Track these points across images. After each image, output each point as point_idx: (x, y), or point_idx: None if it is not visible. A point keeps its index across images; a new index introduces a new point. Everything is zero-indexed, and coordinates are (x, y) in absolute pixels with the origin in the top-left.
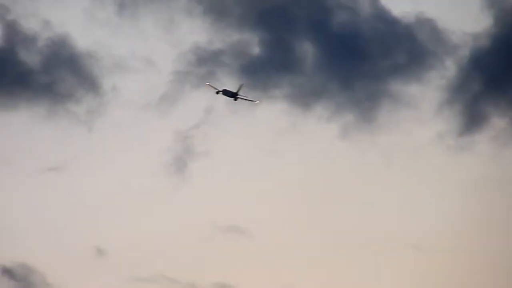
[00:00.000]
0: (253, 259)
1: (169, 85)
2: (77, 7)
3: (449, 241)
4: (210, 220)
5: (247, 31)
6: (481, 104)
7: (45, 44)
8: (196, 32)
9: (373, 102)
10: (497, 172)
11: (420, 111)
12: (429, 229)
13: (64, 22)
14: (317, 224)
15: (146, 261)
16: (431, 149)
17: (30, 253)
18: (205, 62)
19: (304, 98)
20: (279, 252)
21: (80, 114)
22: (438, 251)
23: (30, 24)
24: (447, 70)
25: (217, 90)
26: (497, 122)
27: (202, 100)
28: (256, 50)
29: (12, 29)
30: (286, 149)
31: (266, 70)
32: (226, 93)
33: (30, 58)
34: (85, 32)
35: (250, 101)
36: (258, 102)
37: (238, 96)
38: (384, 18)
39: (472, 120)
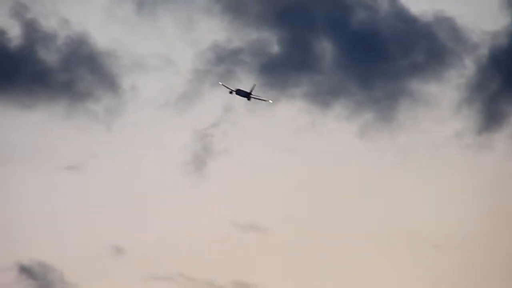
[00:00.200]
0: (271, 257)
1: (188, 84)
2: (96, 6)
3: (468, 239)
4: (228, 218)
5: (266, 29)
6: (500, 103)
7: (64, 42)
8: (215, 31)
9: (392, 100)
10: None
11: (439, 110)
12: (448, 228)
13: (83, 20)
14: (335, 222)
15: (164, 259)
16: (450, 148)
17: (48, 251)
18: (223, 60)
19: (323, 96)
20: (297, 250)
21: (99, 113)
22: (457, 249)
23: (49, 23)
24: (466, 68)
25: (230, 90)
26: None
27: (220, 99)
28: (275, 48)
29: (32, 27)
30: (304, 148)
31: (285, 68)
32: (239, 93)
33: (49, 56)
34: (104, 30)
35: (263, 101)
36: (271, 101)
37: (251, 96)
38: (403, 17)
39: (491, 118)
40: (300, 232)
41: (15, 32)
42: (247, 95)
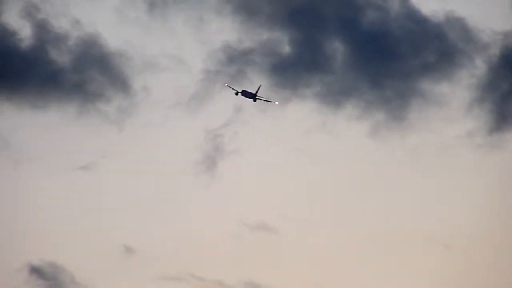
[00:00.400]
0: (281, 257)
1: (199, 84)
2: (107, 7)
3: (478, 239)
4: (238, 218)
5: (277, 30)
6: (511, 103)
7: (75, 43)
8: (226, 31)
9: (403, 100)
10: None
11: (450, 110)
12: (458, 228)
13: (95, 21)
14: (346, 222)
15: (175, 259)
16: (460, 147)
17: (59, 252)
18: (235, 61)
19: (334, 96)
20: (307, 250)
21: (111, 113)
22: (468, 249)
23: (60, 23)
24: (477, 68)
25: (236, 91)
26: None
27: (231, 99)
28: (286, 49)
29: (43, 28)
30: (315, 148)
31: (296, 69)
32: (245, 94)
33: (60, 57)
34: (115, 31)
35: (269, 102)
36: (277, 103)
37: (256, 97)
38: (414, 17)
39: (502, 118)
40: (310, 232)
41: (26, 33)
42: (252, 96)
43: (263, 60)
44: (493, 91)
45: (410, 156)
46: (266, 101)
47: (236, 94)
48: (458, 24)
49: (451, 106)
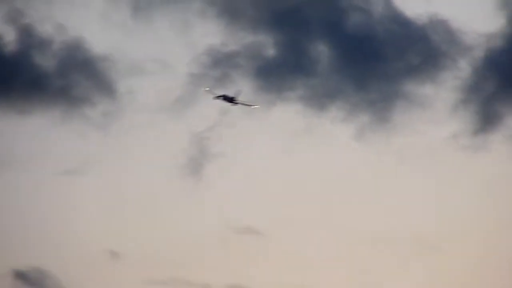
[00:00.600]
0: (268, 261)
1: (184, 88)
2: (92, 11)
3: (466, 241)
4: (225, 222)
5: (261, 33)
6: (495, 104)
7: (60, 47)
8: (211, 34)
9: (388, 103)
10: None
11: (435, 112)
12: (445, 230)
13: (79, 25)
14: (332, 225)
15: (161, 263)
16: (446, 149)
17: (44, 257)
18: (219, 64)
19: (319, 99)
20: (294, 253)
21: (96, 118)
22: (455, 251)
23: (44, 28)
24: (461, 70)
25: (215, 96)
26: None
27: (217, 102)
28: (270, 51)
29: (27, 33)
30: (301, 151)
31: (281, 71)
32: (225, 98)
33: (45, 61)
34: (100, 35)
35: (249, 106)
36: (257, 106)
37: (236, 101)
38: (398, 20)
39: (487, 119)
40: (297, 235)
41: (10, 37)
42: (231, 100)
43: (247, 63)
44: (478, 93)
45: (395, 158)
46: (246, 105)
47: (216, 98)
48: (442, 26)
49: (435, 108)
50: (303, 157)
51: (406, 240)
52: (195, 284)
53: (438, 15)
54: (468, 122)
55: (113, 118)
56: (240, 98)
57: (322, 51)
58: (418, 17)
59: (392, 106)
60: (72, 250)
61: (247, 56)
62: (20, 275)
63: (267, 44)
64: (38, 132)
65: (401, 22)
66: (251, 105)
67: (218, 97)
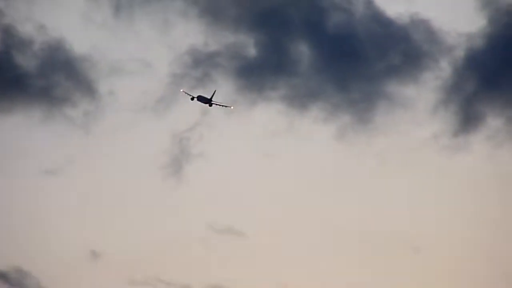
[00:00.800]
0: (248, 260)
1: (165, 88)
2: (72, 11)
3: (446, 241)
4: (205, 222)
5: (242, 33)
6: (477, 104)
7: (40, 48)
8: (192, 34)
9: (369, 103)
10: (493, 171)
11: (416, 112)
12: (426, 229)
13: (60, 26)
14: (313, 225)
15: (141, 263)
16: (427, 150)
17: (25, 257)
18: (201, 64)
19: (300, 99)
20: (274, 253)
21: (77, 118)
22: (435, 251)
23: (25, 28)
24: (442, 70)
25: (192, 96)
26: (492, 121)
27: (198, 102)
28: (251, 51)
29: (8, 33)
30: (282, 150)
31: (262, 71)
32: (201, 99)
33: (26, 62)
34: (80, 35)
35: (224, 107)
36: (232, 107)
37: (212, 102)
38: (379, 20)
39: (468, 120)
40: (277, 235)
41: None
42: (208, 101)
43: (229, 63)
44: (458, 93)
45: (377, 158)
46: (222, 106)
47: (192, 99)
48: (423, 26)
49: (416, 109)
50: (284, 157)
51: (387, 239)
52: (176, 284)
53: (419, 15)
54: (449, 123)
55: (94, 118)
56: (216, 99)
57: (303, 51)
58: (399, 17)
59: (374, 106)
60: (52, 250)
61: (228, 56)
62: (1, 275)
63: (248, 44)
64: (18, 131)
65: (382, 22)
66: (227, 106)
67: (194, 98)
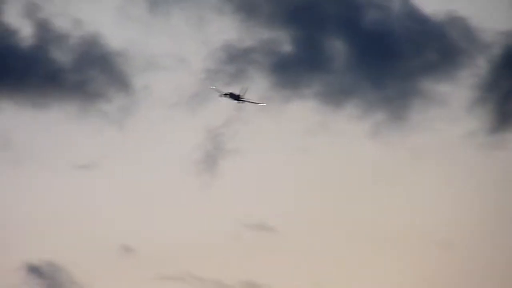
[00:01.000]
0: (280, 257)
1: (200, 83)
2: (108, 6)
3: (480, 240)
4: (238, 218)
5: (277, 29)
6: None
7: (76, 42)
8: (227, 30)
9: (404, 100)
10: None
11: (451, 110)
12: (460, 228)
13: (96, 20)
14: (346, 222)
15: (174, 259)
16: (462, 147)
17: (58, 251)
18: (235, 60)
19: (335, 96)
20: (306, 250)
21: (111, 113)
22: (470, 250)
23: (61, 23)
24: (479, 68)
25: (221, 93)
26: None
27: (229, 99)
28: (286, 48)
29: (44, 27)
30: (316, 148)
31: (297, 68)
32: (231, 96)
33: (61, 56)
34: (116, 30)
35: (255, 104)
36: (264, 104)
37: (242, 99)
38: (415, 17)
39: (503, 117)
40: (310, 232)
41: (27, 32)
42: (238, 98)
43: (263, 59)
44: (495, 91)
45: (411, 156)
46: (253, 103)
47: (222, 96)
48: (460, 23)
49: (452, 106)
50: (317, 154)
51: (420, 238)
52: (207, 280)
53: (456, 12)
54: (484, 121)
55: (129, 113)
56: (249, 96)
57: (338, 47)
58: (436, 14)
59: (408, 103)
60: (85, 244)
61: (263, 52)
62: (33, 269)
63: (283, 40)
64: (54, 126)
65: (418, 19)
66: (258, 103)
67: (225, 95)
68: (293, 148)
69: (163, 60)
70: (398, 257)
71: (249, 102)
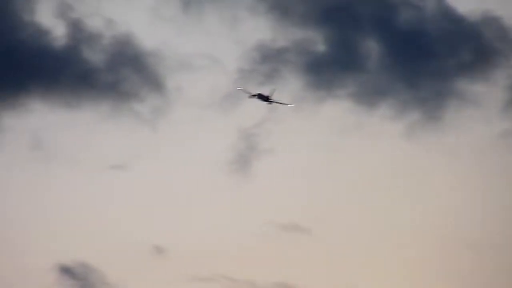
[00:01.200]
0: (313, 258)
1: (233, 83)
2: (141, 6)
3: None
4: (271, 219)
5: (311, 28)
6: None
7: (109, 42)
8: (260, 30)
9: (439, 100)
10: None
11: (487, 110)
12: (495, 231)
13: (128, 20)
14: (379, 223)
15: (206, 260)
16: (496, 148)
17: (90, 252)
18: (269, 60)
19: (369, 96)
20: (340, 251)
21: (144, 113)
22: (502, 253)
23: (94, 23)
24: None
25: (251, 94)
26: None
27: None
28: (320, 47)
29: (76, 27)
30: (350, 148)
31: (331, 68)
32: (260, 97)
33: (94, 57)
34: (149, 30)
35: (284, 105)
36: (293, 105)
37: (271, 100)
38: (450, 16)
39: None
40: (343, 233)
41: (59, 32)
42: (266, 99)
43: (297, 59)
44: None
45: (446, 156)
46: (281, 104)
47: (250, 97)
48: (495, 23)
49: (487, 106)
50: (351, 154)
51: (454, 240)
52: (240, 281)
53: (491, 12)
54: None
55: (161, 114)
56: (280, 97)
57: (372, 47)
58: (471, 14)
59: (443, 104)
60: (117, 245)
61: (296, 52)
62: (66, 270)
63: (317, 40)
64: (86, 126)
65: (453, 19)
66: (286, 104)
67: (253, 96)
68: (326, 149)
69: (196, 60)
70: (434, 260)
71: (277, 103)
